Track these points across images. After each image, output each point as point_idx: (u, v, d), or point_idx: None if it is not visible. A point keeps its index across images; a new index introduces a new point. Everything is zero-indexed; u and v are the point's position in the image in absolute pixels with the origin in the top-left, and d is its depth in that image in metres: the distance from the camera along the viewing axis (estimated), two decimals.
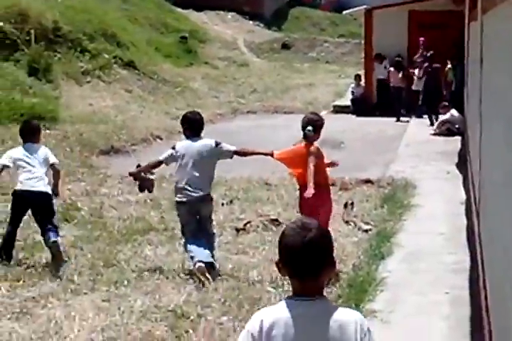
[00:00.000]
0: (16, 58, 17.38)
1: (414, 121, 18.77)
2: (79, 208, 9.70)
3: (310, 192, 6.83)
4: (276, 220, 9.03)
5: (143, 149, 14.94)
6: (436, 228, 8.72)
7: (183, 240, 7.43)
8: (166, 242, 8.32)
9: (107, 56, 20.58)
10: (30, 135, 8.04)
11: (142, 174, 7.87)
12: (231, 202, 10.20)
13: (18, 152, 7.85)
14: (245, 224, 8.94)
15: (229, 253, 7.90)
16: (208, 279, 6.81)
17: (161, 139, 15.94)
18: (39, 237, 7.84)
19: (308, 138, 7.24)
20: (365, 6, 21.91)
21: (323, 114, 21.17)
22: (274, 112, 21.32)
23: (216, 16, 39.75)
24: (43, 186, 7.65)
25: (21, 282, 6.84)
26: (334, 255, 2.79)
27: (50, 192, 7.76)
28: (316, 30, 43.51)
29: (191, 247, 7.12)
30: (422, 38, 19.72)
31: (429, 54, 19.24)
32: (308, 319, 2.65)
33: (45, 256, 7.61)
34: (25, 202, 7.64)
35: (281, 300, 2.42)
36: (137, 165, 8.07)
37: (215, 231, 7.73)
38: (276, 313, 2.68)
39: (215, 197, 8.40)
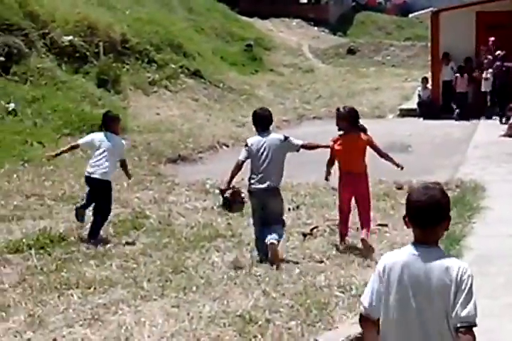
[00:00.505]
0: (85, 70, 17.76)
1: (483, 122, 18.47)
2: (147, 216, 9.83)
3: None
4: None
5: (209, 157, 15.09)
6: (506, 231, 8.56)
7: (254, 228, 8.06)
8: (233, 248, 8.36)
9: (173, 66, 20.86)
10: (106, 125, 9.12)
11: (232, 195, 8.11)
12: (298, 207, 10.20)
13: (97, 136, 9.02)
14: (312, 229, 8.94)
15: (296, 258, 7.90)
16: (277, 257, 7.51)
17: (227, 146, 16.05)
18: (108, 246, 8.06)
19: (364, 130, 8.44)
20: (431, 9, 21.70)
21: (389, 117, 21.10)
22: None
23: (281, 23, 39.85)
24: (100, 174, 8.69)
25: (92, 289, 6.96)
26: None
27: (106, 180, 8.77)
28: (382, 34, 43.23)
29: (258, 234, 7.85)
30: (492, 38, 19.43)
31: (500, 53, 18.97)
32: (424, 263, 3.26)
33: (116, 264, 7.75)
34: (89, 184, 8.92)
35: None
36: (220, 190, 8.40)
37: (284, 222, 8.09)
38: (397, 256, 3.34)
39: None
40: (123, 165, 9.15)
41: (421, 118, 20.29)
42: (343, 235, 8.35)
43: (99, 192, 8.75)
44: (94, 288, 6.97)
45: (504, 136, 16.03)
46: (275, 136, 7.96)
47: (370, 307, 3.36)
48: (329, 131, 13.44)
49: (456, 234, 8.45)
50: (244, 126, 18.14)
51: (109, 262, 7.83)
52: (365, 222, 8.24)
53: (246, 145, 7.94)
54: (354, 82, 28.43)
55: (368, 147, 8.38)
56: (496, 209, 9.64)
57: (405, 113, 21.26)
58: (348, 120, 8.28)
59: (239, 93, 22.48)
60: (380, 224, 9.14)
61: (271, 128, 8.08)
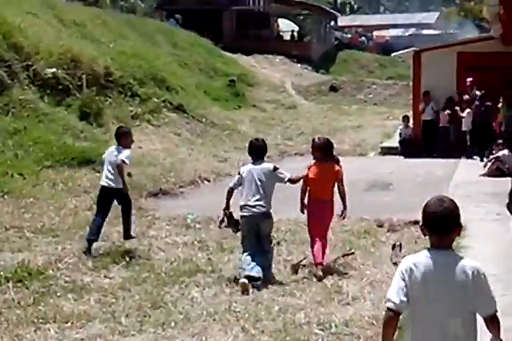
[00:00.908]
0: (67, 103, 17.74)
1: (463, 161, 18.62)
2: (127, 250, 9.76)
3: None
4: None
5: (191, 191, 15.05)
6: (486, 269, 8.54)
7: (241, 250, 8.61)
8: (213, 284, 8.31)
9: (156, 100, 20.91)
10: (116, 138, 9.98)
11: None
12: (278, 243, 10.17)
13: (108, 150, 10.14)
14: (296, 265, 8.90)
15: (276, 294, 7.86)
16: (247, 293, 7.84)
17: (208, 181, 16.04)
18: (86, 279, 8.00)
19: (337, 161, 9.02)
20: (413, 48, 22.00)
21: (371, 155, 21.23)
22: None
23: (264, 60, 40.22)
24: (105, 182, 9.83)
25: (70, 323, 6.87)
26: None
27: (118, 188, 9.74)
28: (364, 73, 43.73)
29: (244, 259, 8.31)
30: (469, 79, 19.71)
31: (479, 93, 19.28)
32: (442, 264, 3.74)
33: (94, 298, 7.68)
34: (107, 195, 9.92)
35: None
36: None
37: (272, 248, 8.77)
38: (419, 259, 3.80)
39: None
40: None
41: (402, 157, 20.43)
42: (318, 260, 8.65)
43: (119, 199, 9.85)
44: (72, 323, 6.88)
45: (483, 175, 16.16)
46: (266, 165, 8.57)
47: (400, 304, 3.73)
48: None
49: None
50: (226, 161, 18.19)
51: (88, 296, 7.75)
52: (322, 249, 8.73)
53: (239, 173, 8.61)
54: (336, 119, 28.63)
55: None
56: (475, 248, 9.65)
57: (387, 151, 21.41)
58: (322, 150, 8.89)
59: (221, 128, 22.55)
60: (345, 254, 9.12)
61: (265, 158, 8.76)
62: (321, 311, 7.19)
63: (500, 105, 18.63)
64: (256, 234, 8.43)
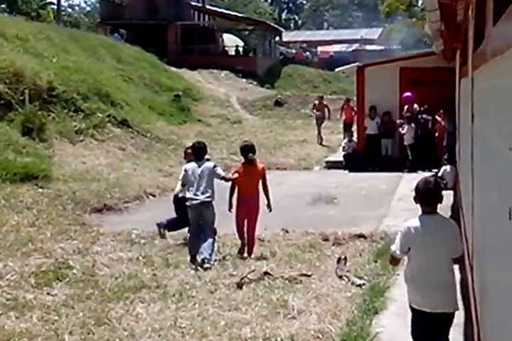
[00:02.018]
0: (9, 118, 17.46)
1: (406, 175, 18.81)
2: (71, 266, 9.62)
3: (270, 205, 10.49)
4: (269, 273, 9.02)
5: (135, 207, 14.94)
6: None
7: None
8: (158, 299, 8.25)
9: (100, 115, 20.73)
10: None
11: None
12: (224, 258, 10.15)
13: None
14: (242, 278, 8.89)
15: (221, 309, 7.83)
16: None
17: (153, 196, 15.94)
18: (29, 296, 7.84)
19: (253, 161, 10.55)
20: (357, 64, 22.22)
21: (316, 169, 21.35)
22: (267, 168, 21.31)
23: (210, 75, 40.26)
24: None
25: None
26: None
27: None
28: (309, 88, 44.08)
29: (191, 240, 10.01)
30: (406, 94, 20.02)
31: (417, 108, 19.65)
32: (431, 223, 5.42)
33: (37, 315, 7.54)
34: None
35: None
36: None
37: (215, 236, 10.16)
38: (415, 222, 5.42)
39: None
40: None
41: (346, 171, 20.57)
42: (243, 245, 10.44)
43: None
44: None
45: None
46: (208, 164, 10.22)
47: (401, 253, 5.51)
48: None
49: (381, 286, 8.51)
50: (171, 175, 18.08)
51: (30, 314, 7.61)
52: (250, 241, 10.45)
53: (185, 170, 10.29)
54: (281, 133, 28.75)
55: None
56: None
57: (331, 165, 21.54)
58: (243, 153, 10.60)
59: (166, 143, 22.46)
60: (303, 274, 9.15)
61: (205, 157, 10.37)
62: (267, 325, 7.18)
63: (440, 119, 18.90)
64: (198, 221, 10.06)
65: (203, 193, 9.97)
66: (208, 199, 9.98)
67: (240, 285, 8.71)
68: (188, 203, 10.04)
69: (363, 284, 8.70)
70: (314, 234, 11.61)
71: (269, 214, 12.02)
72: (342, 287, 8.62)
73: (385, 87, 20.73)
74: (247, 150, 10.56)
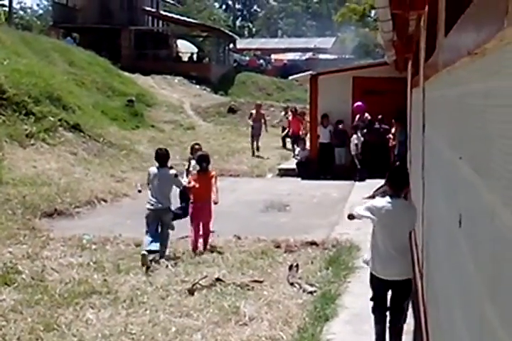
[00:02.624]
0: None
1: (358, 183, 18.97)
2: (19, 271, 9.49)
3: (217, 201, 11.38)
4: (220, 280, 9.02)
5: (86, 212, 14.81)
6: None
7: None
8: (108, 305, 8.19)
9: (52, 119, 20.50)
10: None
11: None
12: (176, 264, 10.12)
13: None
14: (194, 285, 8.87)
15: (173, 316, 7.80)
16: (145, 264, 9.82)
17: (105, 201, 15.81)
18: None
19: (207, 170, 11.48)
20: (310, 72, 22.36)
21: (268, 177, 21.40)
22: (220, 175, 21.35)
23: (163, 80, 40.12)
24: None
25: None
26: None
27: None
28: (263, 95, 44.18)
29: (146, 239, 10.41)
30: (358, 103, 20.22)
31: (368, 116, 19.89)
32: (397, 204, 6.44)
33: None
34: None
35: None
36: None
37: (169, 233, 10.78)
38: (382, 202, 6.47)
39: (160, 261, 10.11)
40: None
41: (299, 179, 20.65)
42: (195, 247, 11.13)
43: None
44: None
45: (368, 198, 16.42)
46: (169, 171, 10.91)
47: (358, 216, 6.82)
48: None
49: (332, 293, 8.56)
50: (123, 181, 17.98)
51: None
52: (204, 240, 11.34)
53: (148, 173, 11.05)
54: (234, 140, 28.77)
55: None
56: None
57: (284, 172, 21.60)
58: (199, 162, 11.62)
59: (119, 148, 22.31)
60: (255, 281, 9.16)
61: (168, 164, 11.10)
62: (218, 332, 7.18)
63: (393, 129, 19.11)
64: (158, 223, 10.64)
65: (161, 199, 10.65)
66: (166, 206, 10.74)
67: (191, 292, 8.69)
68: (147, 206, 10.70)
69: (315, 291, 8.75)
70: (266, 241, 11.64)
71: (221, 221, 12.04)
72: (293, 294, 8.66)
73: (337, 95, 20.89)
74: (202, 159, 11.49)
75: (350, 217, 7.04)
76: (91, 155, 20.38)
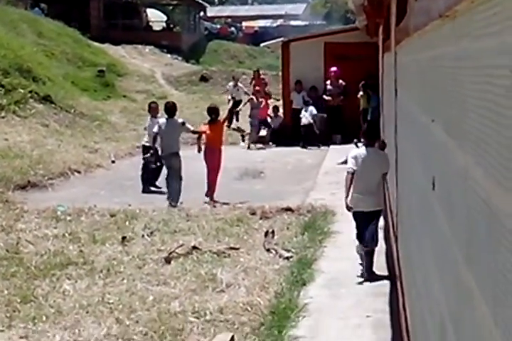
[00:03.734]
0: None
1: (332, 148, 19.00)
2: None
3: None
4: (197, 248, 9.05)
5: (60, 183, 14.72)
6: (355, 254, 8.81)
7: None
8: (85, 276, 8.18)
9: (22, 91, 20.27)
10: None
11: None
12: (151, 233, 10.11)
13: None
14: (170, 253, 8.88)
15: (150, 284, 7.82)
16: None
17: (79, 173, 15.72)
18: None
19: (216, 120, 13.25)
20: (282, 39, 22.26)
21: (242, 145, 21.37)
22: (194, 144, 21.31)
23: (134, 50, 39.73)
24: None
25: None
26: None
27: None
28: (234, 63, 43.93)
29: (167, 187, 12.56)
30: (333, 68, 20.16)
31: (342, 83, 19.89)
32: (372, 152, 8.06)
33: None
34: None
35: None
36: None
37: (178, 182, 12.35)
38: (361, 151, 8.18)
39: (135, 229, 10.17)
40: None
41: (273, 145, 20.64)
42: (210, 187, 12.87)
43: None
44: None
45: (342, 163, 16.44)
46: (177, 120, 12.90)
47: (352, 169, 7.98)
48: (183, 157, 13.58)
49: (308, 258, 8.63)
50: (96, 152, 17.88)
51: None
52: (209, 187, 12.80)
53: (157, 122, 12.78)
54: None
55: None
56: (345, 233, 9.88)
57: (258, 140, 21.56)
58: (208, 113, 13.46)
59: (91, 119, 22.13)
60: (231, 248, 9.20)
61: (176, 116, 13.01)
62: (196, 299, 7.22)
63: (360, 93, 19.08)
64: (168, 168, 12.54)
65: (172, 145, 12.46)
66: (176, 150, 12.54)
67: (168, 260, 8.71)
68: (161, 154, 12.61)
69: (291, 257, 8.80)
70: (242, 208, 11.67)
71: (196, 189, 12.05)
72: (270, 260, 8.71)
73: (309, 61, 20.84)
74: (212, 111, 13.26)
75: (349, 176, 8.11)
76: (63, 126, 20.22)
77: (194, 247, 9.09)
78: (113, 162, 17.51)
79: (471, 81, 2.04)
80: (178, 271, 8.30)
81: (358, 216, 8.24)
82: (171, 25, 50.78)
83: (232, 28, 54.35)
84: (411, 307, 5.04)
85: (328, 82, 20.35)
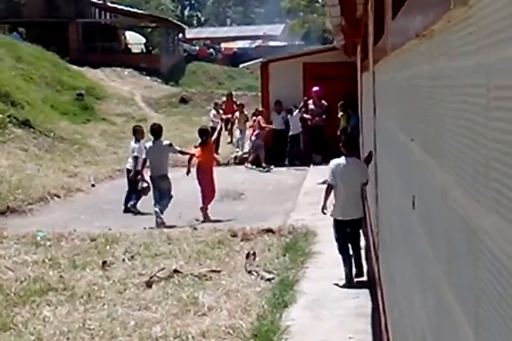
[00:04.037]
0: None
1: (312, 169, 19.00)
2: None
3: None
4: (178, 271, 8.97)
5: (40, 208, 14.61)
6: (337, 274, 8.77)
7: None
8: (65, 302, 8.08)
9: (0, 115, 20.20)
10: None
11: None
12: (132, 257, 10.02)
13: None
14: (151, 277, 8.80)
15: (131, 309, 7.73)
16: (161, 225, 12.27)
17: (58, 197, 15.61)
18: None
19: (206, 142, 13.50)
20: (261, 59, 22.33)
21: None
22: (174, 166, 21.23)
23: (113, 73, 39.75)
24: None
25: None
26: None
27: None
28: (214, 84, 44.06)
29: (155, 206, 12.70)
30: (315, 88, 20.20)
31: (324, 103, 19.90)
32: (351, 161, 8.35)
33: None
34: None
35: None
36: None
37: (168, 199, 12.87)
38: (340, 161, 8.31)
39: (116, 253, 10.04)
40: None
41: (254, 166, 20.60)
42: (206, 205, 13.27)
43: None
44: None
45: (323, 183, 16.43)
46: (163, 142, 13.24)
47: (332, 181, 8.28)
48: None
49: (290, 280, 8.57)
50: (76, 176, 17.78)
51: None
52: (203, 200, 13.23)
53: (145, 147, 13.24)
54: (187, 131, 28.55)
55: None
56: (327, 253, 9.85)
57: (242, 160, 21.53)
58: (199, 134, 13.65)
59: (70, 142, 22.05)
60: (213, 270, 9.13)
61: (162, 138, 13.38)
62: (178, 323, 7.13)
63: (340, 114, 19.11)
64: (159, 190, 12.86)
65: (160, 167, 12.87)
66: (164, 173, 12.97)
67: (149, 284, 8.62)
68: (150, 174, 13.08)
69: (273, 278, 8.74)
70: (223, 230, 11.60)
71: (177, 211, 11.99)
72: (252, 282, 8.64)
73: (289, 82, 20.91)
74: (202, 133, 13.49)
75: (329, 188, 8.52)
76: (42, 150, 20.13)
77: (175, 271, 9.02)
78: (93, 186, 17.42)
79: (448, 100, 2.03)
80: (160, 295, 8.21)
81: (339, 224, 8.64)
82: (150, 48, 50.95)
83: (211, 50, 54.57)
84: (393, 327, 5.00)
85: (311, 101, 20.37)
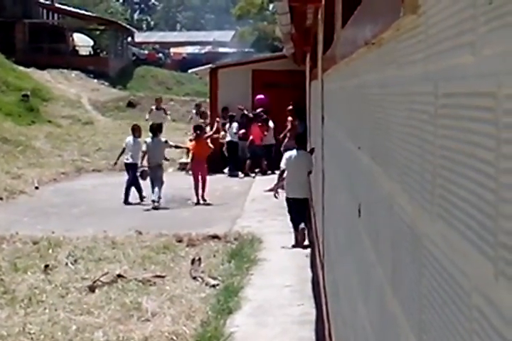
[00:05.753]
0: None
1: (259, 177, 19.04)
2: None
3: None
4: (122, 276, 8.89)
5: None
6: (282, 281, 8.79)
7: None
8: (5, 305, 7.95)
9: None
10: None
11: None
12: (75, 261, 9.91)
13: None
14: (95, 282, 8.70)
15: (73, 313, 7.63)
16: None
17: (1, 199, 15.37)
18: None
19: (200, 136, 16.06)
20: (210, 65, 22.31)
21: (169, 171, 21.22)
22: (120, 170, 21.10)
23: (59, 75, 39.31)
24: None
25: None
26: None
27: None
28: (162, 89, 43.84)
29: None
30: (259, 96, 20.24)
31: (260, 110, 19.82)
32: (300, 154, 10.74)
33: None
34: None
35: None
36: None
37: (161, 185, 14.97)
38: (292, 153, 10.79)
39: (59, 257, 9.91)
40: None
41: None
42: (197, 195, 15.44)
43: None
44: None
45: (269, 190, 16.44)
46: (160, 139, 15.45)
47: (285, 166, 10.66)
48: (109, 184, 13.39)
49: (235, 286, 8.56)
50: (19, 178, 17.54)
51: None
52: (203, 188, 15.45)
53: (145, 141, 15.27)
54: None
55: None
56: (272, 260, 9.89)
57: (185, 166, 21.42)
58: (194, 130, 16.48)
59: (14, 144, 21.74)
60: (157, 276, 9.08)
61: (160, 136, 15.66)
62: (120, 329, 7.07)
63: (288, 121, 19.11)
64: (154, 177, 14.88)
65: (156, 159, 15.04)
66: (160, 162, 15.29)
67: (92, 289, 8.53)
68: (148, 165, 15.00)
69: (217, 284, 8.72)
70: (168, 235, 11.53)
71: (122, 216, 11.89)
72: (196, 288, 8.62)
73: (237, 88, 20.91)
74: (197, 128, 16.18)
75: (282, 173, 10.85)
76: None
77: (119, 275, 8.94)
78: (36, 188, 17.19)
79: (396, 108, 2.04)
80: (103, 299, 8.13)
81: (290, 201, 10.86)
82: (98, 50, 50.51)
83: (160, 54, 54.39)
84: (337, 335, 5.02)
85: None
